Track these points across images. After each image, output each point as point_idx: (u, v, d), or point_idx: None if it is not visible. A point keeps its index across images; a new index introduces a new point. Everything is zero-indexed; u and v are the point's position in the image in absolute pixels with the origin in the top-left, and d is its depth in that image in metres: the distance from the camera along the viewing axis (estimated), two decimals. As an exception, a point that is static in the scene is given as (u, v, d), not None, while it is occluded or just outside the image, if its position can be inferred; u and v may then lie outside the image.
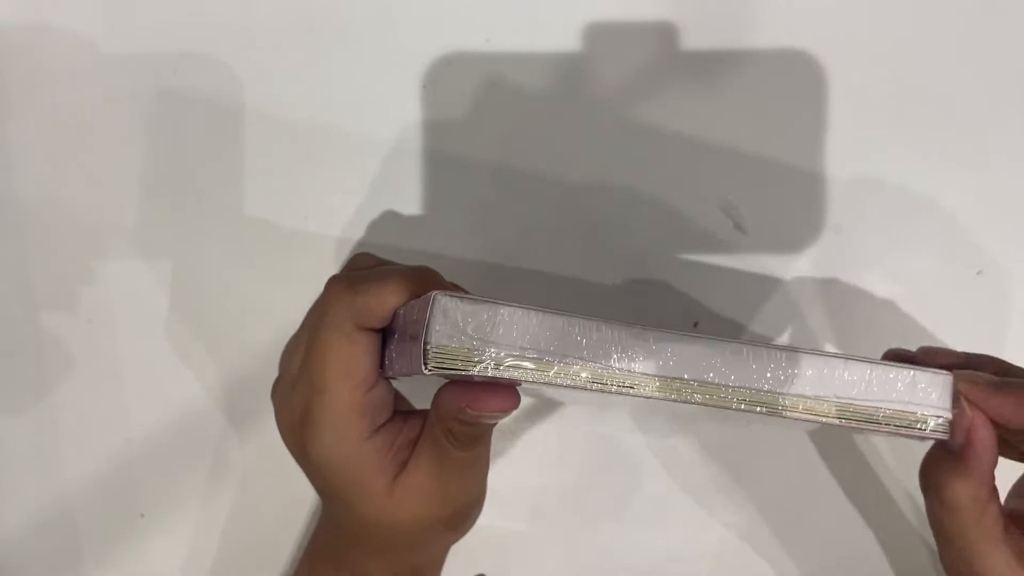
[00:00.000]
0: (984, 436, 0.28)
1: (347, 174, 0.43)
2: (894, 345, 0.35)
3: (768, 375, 0.27)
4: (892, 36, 0.43)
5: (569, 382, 0.26)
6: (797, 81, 0.43)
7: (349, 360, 0.29)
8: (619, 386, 0.26)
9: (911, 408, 0.28)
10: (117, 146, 0.43)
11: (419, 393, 0.35)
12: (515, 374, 0.25)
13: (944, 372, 0.28)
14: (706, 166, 0.43)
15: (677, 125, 0.43)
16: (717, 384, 0.26)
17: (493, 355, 0.25)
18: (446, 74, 0.43)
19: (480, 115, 0.43)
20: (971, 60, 0.43)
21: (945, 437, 0.28)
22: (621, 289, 0.43)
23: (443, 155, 0.43)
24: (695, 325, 0.42)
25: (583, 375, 0.26)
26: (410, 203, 0.43)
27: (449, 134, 0.43)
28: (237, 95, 0.43)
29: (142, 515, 0.42)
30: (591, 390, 0.26)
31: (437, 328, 0.25)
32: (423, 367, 0.25)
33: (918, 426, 0.28)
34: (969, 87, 0.43)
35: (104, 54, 0.43)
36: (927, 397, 0.28)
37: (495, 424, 0.30)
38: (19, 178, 0.43)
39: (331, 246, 0.43)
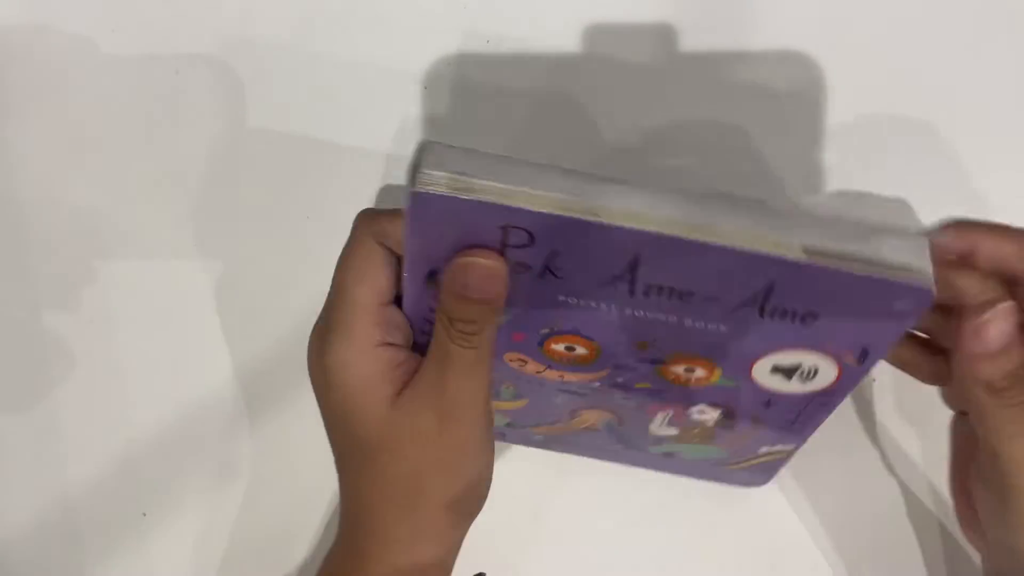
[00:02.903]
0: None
1: (347, 174, 0.43)
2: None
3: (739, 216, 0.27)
4: (892, 36, 0.43)
5: (540, 208, 0.26)
6: (797, 81, 0.43)
7: (366, 266, 0.32)
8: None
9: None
10: (117, 146, 0.43)
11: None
12: (491, 196, 0.25)
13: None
14: (706, 166, 0.43)
15: (677, 125, 0.43)
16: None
17: (470, 180, 0.26)
18: (446, 74, 0.43)
19: (480, 115, 0.43)
20: (971, 60, 0.43)
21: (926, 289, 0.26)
22: (621, 289, 0.43)
23: (443, 155, 0.43)
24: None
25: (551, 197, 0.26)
26: (410, 203, 0.43)
27: (449, 134, 0.43)
28: (237, 95, 0.43)
29: (144, 514, 0.42)
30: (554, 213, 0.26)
31: (429, 159, 0.26)
32: (412, 186, 0.25)
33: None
34: (969, 87, 0.43)
35: (105, 54, 0.43)
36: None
37: (491, 324, 0.30)
38: (20, 178, 0.43)
39: (331, 246, 0.43)
